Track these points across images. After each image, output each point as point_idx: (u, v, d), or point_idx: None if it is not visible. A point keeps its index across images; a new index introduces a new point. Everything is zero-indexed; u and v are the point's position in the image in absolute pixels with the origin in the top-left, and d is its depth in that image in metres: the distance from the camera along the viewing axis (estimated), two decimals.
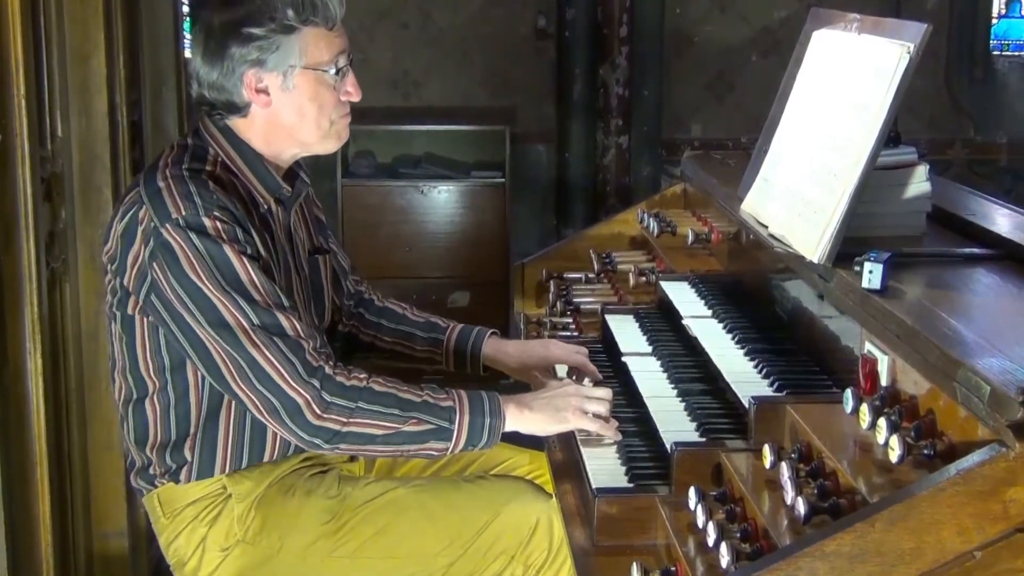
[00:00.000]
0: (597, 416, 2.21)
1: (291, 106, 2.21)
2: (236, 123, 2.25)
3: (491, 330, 2.60)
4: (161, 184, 2.14)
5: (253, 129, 2.24)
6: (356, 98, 2.27)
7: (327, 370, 2.10)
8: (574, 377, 2.49)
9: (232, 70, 2.18)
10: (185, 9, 4.89)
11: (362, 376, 2.13)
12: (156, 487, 2.30)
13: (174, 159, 2.20)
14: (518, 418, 2.19)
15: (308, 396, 2.08)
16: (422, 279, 6.04)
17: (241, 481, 2.27)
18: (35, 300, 2.65)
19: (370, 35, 6.47)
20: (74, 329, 3.02)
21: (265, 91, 2.20)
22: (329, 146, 2.30)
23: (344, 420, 2.09)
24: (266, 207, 2.26)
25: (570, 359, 2.53)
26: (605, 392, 2.28)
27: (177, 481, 2.27)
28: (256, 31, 2.15)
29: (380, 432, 2.11)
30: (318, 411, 2.08)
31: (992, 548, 1.46)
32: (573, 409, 2.20)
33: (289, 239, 2.33)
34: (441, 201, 6.09)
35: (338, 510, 2.28)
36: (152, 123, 3.50)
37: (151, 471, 2.30)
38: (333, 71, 2.21)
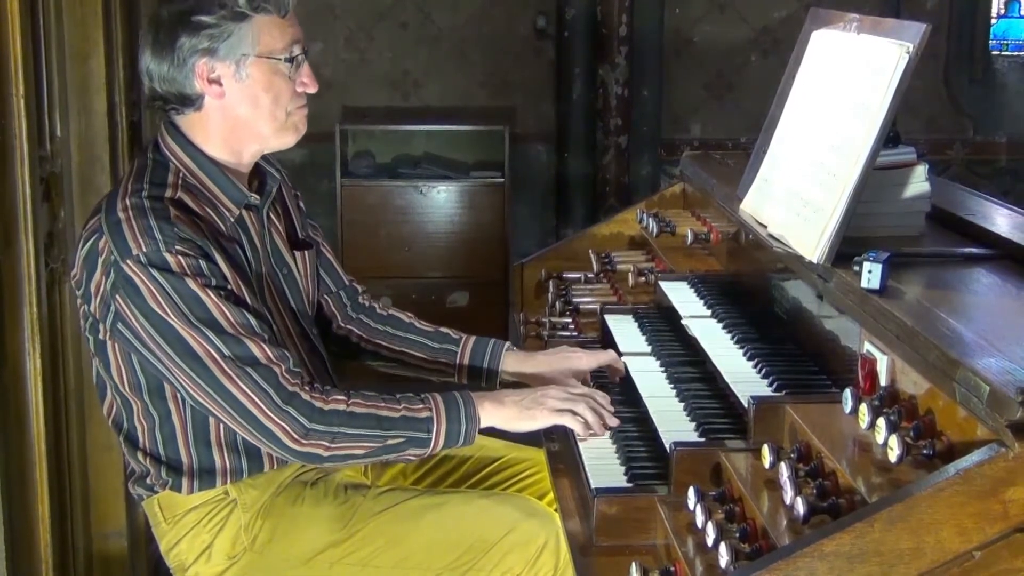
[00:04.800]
0: (578, 414, 2.21)
1: (245, 97, 2.18)
2: (192, 121, 2.21)
3: (506, 343, 2.55)
4: (121, 215, 2.09)
5: (210, 127, 2.20)
6: (312, 89, 2.24)
7: (303, 396, 2.10)
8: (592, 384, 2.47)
9: (183, 61, 2.14)
10: None
11: (340, 398, 2.13)
12: (156, 493, 2.29)
13: (134, 182, 2.15)
14: (492, 415, 2.21)
15: (285, 425, 2.08)
16: (421, 279, 6.04)
17: (246, 490, 2.26)
18: (34, 300, 2.65)
19: (370, 35, 6.47)
20: (74, 329, 3.01)
21: (218, 81, 2.16)
22: (286, 139, 2.25)
23: (327, 445, 2.11)
24: (233, 218, 2.22)
25: (601, 362, 2.50)
26: (593, 392, 2.28)
27: (178, 491, 2.26)
28: (206, 19, 2.12)
29: (362, 451, 2.14)
30: (298, 437, 2.09)
31: (992, 548, 1.45)
32: (542, 408, 2.21)
33: (263, 243, 2.30)
34: (441, 201, 6.09)
35: (349, 518, 2.27)
36: (152, 123, 3.49)
37: (148, 480, 2.28)
38: (287, 60, 2.18)
